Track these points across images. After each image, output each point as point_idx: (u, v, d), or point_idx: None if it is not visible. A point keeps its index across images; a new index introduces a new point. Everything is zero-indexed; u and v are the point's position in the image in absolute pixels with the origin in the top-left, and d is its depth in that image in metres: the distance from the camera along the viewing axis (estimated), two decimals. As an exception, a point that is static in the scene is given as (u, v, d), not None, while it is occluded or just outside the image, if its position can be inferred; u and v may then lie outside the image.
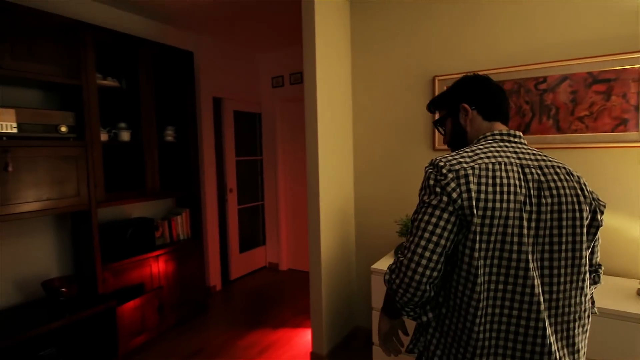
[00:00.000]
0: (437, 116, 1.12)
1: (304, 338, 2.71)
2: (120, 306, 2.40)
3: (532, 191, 0.82)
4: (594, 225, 0.88)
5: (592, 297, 0.95)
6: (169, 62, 3.00)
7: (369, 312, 2.59)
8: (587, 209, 0.85)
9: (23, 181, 2.07)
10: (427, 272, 0.81)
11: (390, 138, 2.47)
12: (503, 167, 0.82)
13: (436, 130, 2.19)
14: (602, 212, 0.89)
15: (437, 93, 2.24)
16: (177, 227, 3.07)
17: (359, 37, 2.54)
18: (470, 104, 0.98)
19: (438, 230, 0.80)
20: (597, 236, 0.90)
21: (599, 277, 0.97)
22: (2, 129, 2.01)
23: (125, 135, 2.67)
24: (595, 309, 0.99)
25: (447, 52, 2.22)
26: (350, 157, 2.61)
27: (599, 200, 0.90)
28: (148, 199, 2.76)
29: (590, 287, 0.93)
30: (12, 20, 2.01)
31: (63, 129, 2.25)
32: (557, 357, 0.80)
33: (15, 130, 2.05)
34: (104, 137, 2.52)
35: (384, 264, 2.08)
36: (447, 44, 2.22)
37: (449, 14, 2.20)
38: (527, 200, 0.81)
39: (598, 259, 0.97)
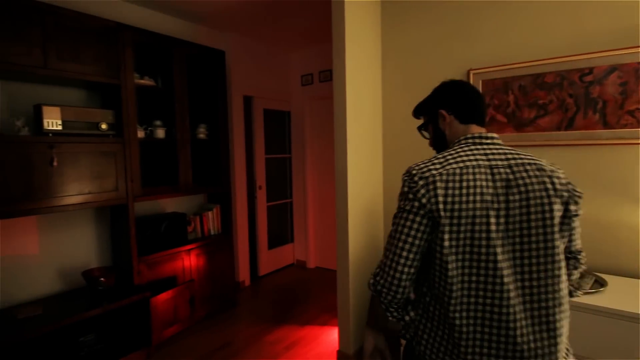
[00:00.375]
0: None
1: (331, 336, 2.70)
2: (154, 297, 2.49)
3: (499, 190, 0.90)
4: (568, 216, 0.92)
5: (577, 281, 1.04)
6: (202, 61, 3.08)
7: (398, 313, 2.54)
8: (559, 201, 0.90)
9: (66, 175, 2.18)
10: (406, 269, 0.91)
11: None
12: (470, 171, 0.91)
13: None
14: (576, 202, 0.93)
15: (471, 87, 2.16)
16: (208, 222, 3.15)
17: (390, 32, 2.49)
18: (447, 109, 1.07)
19: (412, 232, 0.91)
20: (574, 225, 0.95)
21: (579, 262, 1.02)
22: (48, 126, 2.13)
23: (160, 133, 2.76)
24: (579, 292, 1.06)
25: (483, 44, 2.13)
26: (379, 154, 2.57)
27: (575, 191, 0.94)
28: (181, 194, 2.84)
29: (572, 273, 1.02)
30: (57, 23, 2.13)
31: (103, 126, 2.36)
32: (528, 341, 0.86)
33: (60, 127, 2.17)
34: (140, 134, 2.62)
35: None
36: (482, 36, 2.13)
37: (485, 4, 2.11)
38: (495, 199, 0.89)
39: (578, 246, 1.00)
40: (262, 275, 4.05)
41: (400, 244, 0.92)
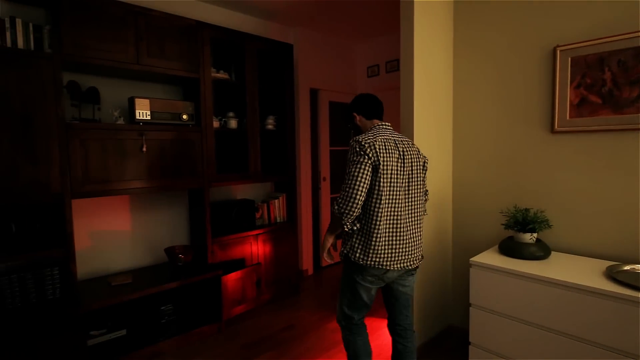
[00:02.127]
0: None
1: (393, 330, 2.64)
2: (225, 276, 2.66)
3: (400, 153, 1.58)
4: (423, 171, 1.70)
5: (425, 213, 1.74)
6: (271, 55, 3.21)
7: (465, 310, 2.40)
8: (422, 162, 1.68)
9: (153, 160, 2.43)
10: (359, 197, 1.49)
11: (498, 120, 2.23)
12: (386, 141, 1.56)
13: (557, 109, 1.94)
14: (427, 162, 1.73)
15: (558, 66, 1.94)
16: (275, 210, 3.28)
17: (463, 14, 2.35)
18: (357, 112, 1.77)
19: (362, 174, 1.49)
20: (425, 176, 1.71)
21: (426, 194, 1.76)
22: (139, 116, 2.39)
23: (233, 123, 2.94)
24: (426, 212, 1.77)
25: (572, 16, 1.90)
26: (449, 145, 2.44)
27: (426, 158, 1.72)
28: (251, 181, 2.99)
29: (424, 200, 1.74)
30: (148, 23, 2.38)
31: (184, 116, 2.58)
32: (412, 234, 1.60)
33: (149, 118, 2.43)
34: (216, 124, 2.81)
35: (486, 257, 1.89)
36: (571, 6, 1.90)
37: (577, -27, 1.88)
38: (399, 157, 1.57)
39: (425, 188, 1.73)
40: (324, 266, 4.10)
41: (356, 182, 1.49)
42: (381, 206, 1.51)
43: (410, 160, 1.60)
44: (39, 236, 2.15)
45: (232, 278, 2.73)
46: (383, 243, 1.53)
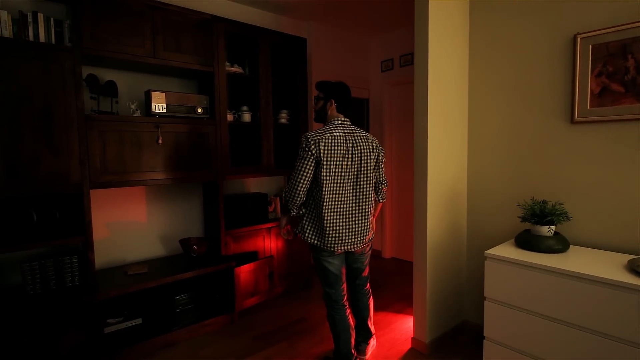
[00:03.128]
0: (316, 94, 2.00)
1: (406, 324, 2.62)
2: (238, 267, 2.68)
3: (349, 147, 1.80)
4: (378, 162, 1.92)
5: (383, 195, 2.05)
6: (285, 49, 3.22)
7: (480, 305, 2.36)
8: (374, 154, 1.88)
9: (169, 152, 2.47)
10: (300, 187, 1.76)
11: (515, 111, 2.18)
12: (336, 137, 1.77)
13: (577, 99, 1.89)
14: (382, 156, 1.95)
15: (578, 54, 1.88)
16: (287, 204, 3.28)
17: (478, 3, 2.30)
18: (335, 99, 1.90)
19: (305, 168, 1.74)
20: (381, 166, 1.95)
21: (382, 184, 2.01)
22: (155, 109, 2.43)
23: (246, 117, 2.96)
24: (382, 199, 2.08)
25: (592, 3, 1.84)
26: (464, 135, 2.40)
27: (381, 149, 1.93)
28: (263, 174, 3.01)
29: (382, 189, 2.02)
30: (164, 18, 2.42)
31: (199, 110, 2.61)
32: (359, 220, 1.86)
33: (164, 110, 2.47)
34: (229, 117, 2.84)
35: (501, 250, 1.86)
36: (594, -6, 1.85)
37: (599, -42, 1.82)
38: (347, 152, 1.79)
39: (382, 177, 1.99)
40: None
41: (299, 175, 1.76)
42: (324, 194, 1.76)
43: (360, 154, 1.82)
44: (59, 225, 2.21)
45: (245, 270, 2.75)
46: (332, 228, 1.81)
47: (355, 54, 4.10)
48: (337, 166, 1.75)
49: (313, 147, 1.72)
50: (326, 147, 1.73)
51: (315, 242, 1.84)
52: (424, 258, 2.22)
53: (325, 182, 1.74)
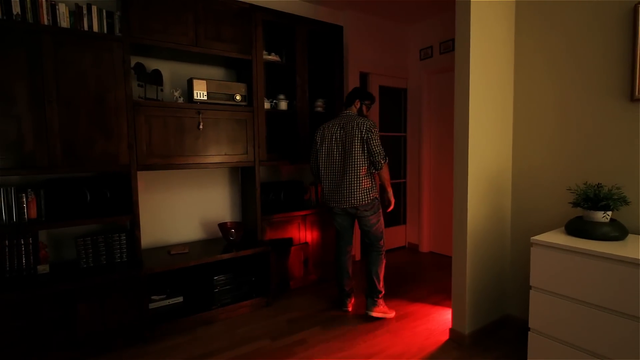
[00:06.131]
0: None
1: (444, 316, 2.53)
2: (273, 252, 2.72)
3: (340, 131, 2.44)
4: (365, 141, 2.36)
5: (381, 164, 2.40)
6: (321, 37, 3.22)
7: (524, 298, 2.24)
8: (360, 135, 2.36)
9: (208, 138, 2.56)
10: (311, 162, 2.63)
11: (565, 91, 2.04)
12: (333, 124, 2.50)
13: (637, 75, 1.74)
14: (368, 135, 2.36)
15: (641, 23, 1.72)
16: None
17: (528, -24, 2.17)
18: (360, 100, 2.56)
19: (314, 147, 2.59)
20: (370, 143, 2.36)
21: (374, 156, 2.38)
22: (197, 96, 2.53)
23: (283, 105, 3.00)
24: (376, 169, 2.44)
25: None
26: (508, 119, 2.28)
27: (369, 131, 2.37)
28: (299, 162, 3.04)
29: (379, 162, 2.39)
30: (205, 7, 2.50)
31: (238, 97, 2.68)
32: (347, 184, 2.41)
33: (205, 98, 2.56)
34: (267, 105, 2.89)
35: (549, 237, 1.74)
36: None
37: None
38: (338, 134, 2.45)
39: (374, 154, 2.37)
40: (372, 253, 4.05)
41: (311, 153, 2.62)
42: (320, 165, 2.52)
43: (348, 133, 2.40)
44: (109, 204, 2.36)
45: (280, 255, 2.78)
46: (327, 190, 2.51)
47: (393, 43, 4.02)
48: (328, 144, 2.49)
49: (317, 133, 2.56)
50: (324, 132, 2.51)
51: (325, 201, 2.58)
52: (463, 245, 2.13)
53: (320, 155, 2.53)
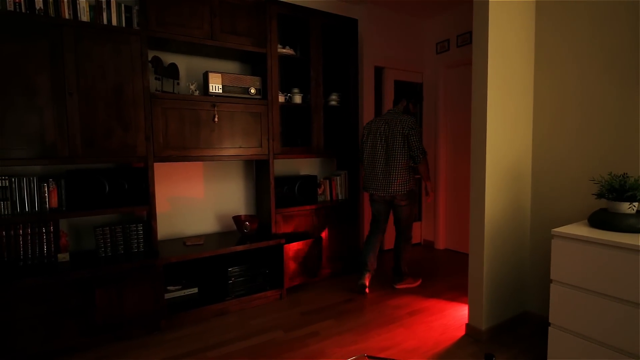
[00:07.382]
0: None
1: (459, 312, 2.48)
2: (287, 244, 2.73)
3: (385, 126, 2.74)
4: (406, 136, 2.66)
5: (419, 159, 2.69)
6: (336, 31, 3.20)
7: (544, 293, 2.17)
8: (401, 130, 2.67)
9: (224, 130, 2.58)
10: (360, 154, 3.04)
11: (587, 78, 1.96)
12: (379, 120, 2.81)
13: None
14: (409, 133, 2.66)
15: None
16: (337, 187, 3.28)
17: (549, -38, 2.10)
18: (407, 101, 2.87)
19: (361, 140, 2.94)
20: (410, 140, 2.66)
21: (415, 154, 2.68)
22: (212, 90, 2.55)
23: (297, 98, 3.00)
24: (414, 163, 2.72)
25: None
26: (528, 110, 2.21)
27: (411, 130, 2.66)
28: (313, 155, 3.03)
29: (418, 157, 2.68)
30: (221, 0, 2.51)
31: (252, 90, 2.69)
32: (387, 174, 2.73)
33: (220, 91, 2.58)
34: (281, 99, 2.89)
35: (572, 229, 1.68)
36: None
37: None
38: (382, 129, 2.75)
39: (414, 149, 2.67)
40: (387, 249, 4.01)
41: (360, 144, 2.96)
42: (365, 155, 2.84)
43: (392, 129, 2.69)
44: (127, 195, 2.40)
45: (294, 248, 2.79)
46: (367, 177, 2.82)
47: (408, 36, 3.97)
48: (373, 137, 2.79)
49: (365, 128, 2.88)
50: (370, 127, 2.83)
51: (365, 186, 2.88)
52: (480, 236, 2.08)
53: (365, 147, 2.85)
